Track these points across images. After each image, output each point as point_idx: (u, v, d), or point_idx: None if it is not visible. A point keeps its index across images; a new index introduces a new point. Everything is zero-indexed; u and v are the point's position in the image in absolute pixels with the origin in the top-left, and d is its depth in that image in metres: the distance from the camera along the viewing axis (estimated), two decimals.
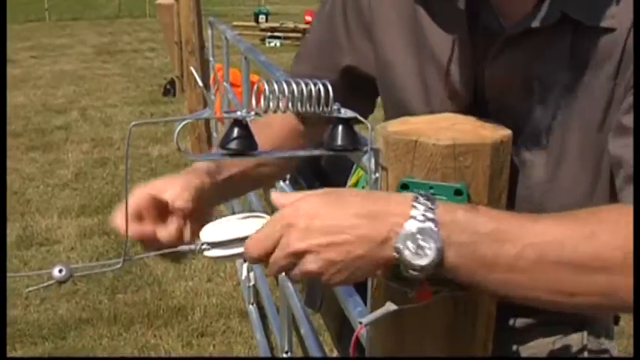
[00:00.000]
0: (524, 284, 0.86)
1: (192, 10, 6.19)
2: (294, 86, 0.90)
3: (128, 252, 0.96)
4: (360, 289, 1.36)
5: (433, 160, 0.94)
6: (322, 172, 3.49)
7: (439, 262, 0.83)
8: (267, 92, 0.88)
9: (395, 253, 0.84)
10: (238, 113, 0.88)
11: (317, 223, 0.86)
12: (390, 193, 0.91)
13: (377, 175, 0.99)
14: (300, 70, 1.31)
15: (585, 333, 1.24)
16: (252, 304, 3.88)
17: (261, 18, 19.42)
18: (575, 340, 1.24)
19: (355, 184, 2.99)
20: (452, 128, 0.99)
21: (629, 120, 0.96)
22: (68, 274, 0.91)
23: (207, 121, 6.50)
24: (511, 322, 1.23)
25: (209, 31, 6.01)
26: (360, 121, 0.95)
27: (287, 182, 2.78)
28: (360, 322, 1.01)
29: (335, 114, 0.94)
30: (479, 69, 1.08)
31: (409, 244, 0.83)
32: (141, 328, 3.89)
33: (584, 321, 1.24)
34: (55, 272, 0.91)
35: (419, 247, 0.82)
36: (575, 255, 0.84)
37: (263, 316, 3.74)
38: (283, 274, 0.90)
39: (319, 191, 0.90)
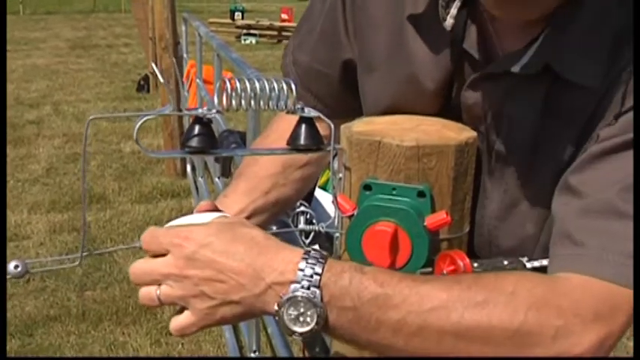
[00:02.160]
0: (408, 348, 0.86)
1: (167, 5, 6.12)
2: (257, 84, 0.89)
3: (88, 248, 0.95)
4: None
5: (397, 161, 0.93)
6: None
7: (319, 327, 0.84)
8: (228, 90, 0.87)
9: (275, 315, 0.85)
10: (199, 111, 0.87)
11: (205, 253, 0.86)
12: (281, 244, 0.89)
13: (341, 175, 0.98)
14: (302, 59, 1.27)
15: None
16: None
17: (237, 15, 19.35)
18: None
19: (325, 184, 2.98)
20: (416, 129, 0.98)
21: (575, 179, 0.94)
22: (24, 269, 0.90)
23: (180, 118, 6.44)
24: None
25: (183, 27, 5.98)
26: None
27: None
28: None
29: (298, 113, 0.93)
30: (457, 90, 1.06)
31: (291, 311, 0.84)
32: (109, 325, 3.85)
33: None
34: (11, 268, 0.89)
35: (300, 314, 0.83)
36: (460, 323, 0.84)
37: None
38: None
39: (215, 221, 0.91)
